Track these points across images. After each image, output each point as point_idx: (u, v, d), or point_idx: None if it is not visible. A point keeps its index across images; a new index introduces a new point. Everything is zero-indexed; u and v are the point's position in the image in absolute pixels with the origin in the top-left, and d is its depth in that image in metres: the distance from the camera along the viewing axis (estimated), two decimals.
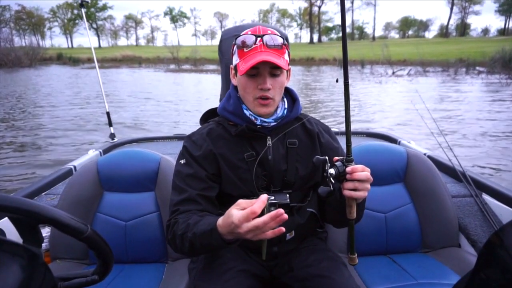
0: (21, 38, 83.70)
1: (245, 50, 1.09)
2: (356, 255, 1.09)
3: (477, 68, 20.03)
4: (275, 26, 1.33)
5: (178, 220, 1.06)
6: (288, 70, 1.18)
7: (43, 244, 1.53)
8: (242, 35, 1.11)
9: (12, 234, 0.75)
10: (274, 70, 1.09)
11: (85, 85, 17.94)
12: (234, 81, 1.20)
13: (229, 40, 1.21)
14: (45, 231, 1.65)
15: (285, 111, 1.19)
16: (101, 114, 9.14)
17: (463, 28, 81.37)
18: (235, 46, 1.13)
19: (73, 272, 0.83)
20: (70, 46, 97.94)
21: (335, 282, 1.07)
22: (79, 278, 0.81)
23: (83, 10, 3.04)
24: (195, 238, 0.98)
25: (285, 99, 1.22)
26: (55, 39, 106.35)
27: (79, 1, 2.94)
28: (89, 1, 2.98)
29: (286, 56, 1.12)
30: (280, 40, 1.10)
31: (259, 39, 1.08)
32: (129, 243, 1.57)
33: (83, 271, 0.84)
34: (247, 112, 1.15)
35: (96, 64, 3.23)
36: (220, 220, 0.92)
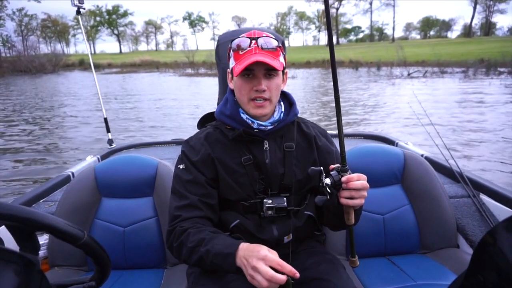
0: (47, 45, 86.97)
1: (240, 52, 1.11)
2: (357, 257, 1.10)
3: (499, 69, 19.30)
4: (272, 30, 1.35)
5: (188, 231, 1.07)
6: (285, 74, 1.20)
7: (42, 252, 1.58)
8: (237, 38, 1.13)
9: (10, 241, 0.75)
10: (269, 71, 1.11)
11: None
12: (231, 85, 1.22)
13: (226, 44, 1.23)
14: (44, 238, 1.66)
15: (282, 115, 1.20)
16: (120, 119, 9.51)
17: (487, 28, 78.67)
18: (231, 50, 1.15)
19: (70, 279, 0.83)
20: (93, 52, 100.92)
21: (333, 284, 1.08)
22: (76, 285, 0.81)
23: (80, 17, 3.06)
24: (208, 255, 1.00)
25: (281, 103, 1.23)
26: (78, 46, 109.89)
27: (76, 9, 2.98)
28: (85, 9, 3.03)
29: (281, 59, 1.13)
30: (274, 43, 1.11)
31: (253, 41, 1.10)
32: (127, 248, 1.57)
33: (80, 277, 0.84)
34: (244, 116, 1.16)
35: (93, 70, 3.29)
36: (245, 245, 0.97)
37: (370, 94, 13.87)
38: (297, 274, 0.88)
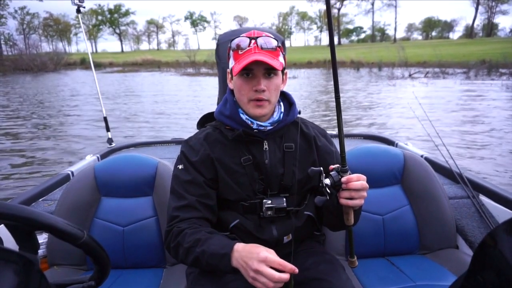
0: (49, 43, 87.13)
1: (239, 52, 1.11)
2: (355, 258, 1.10)
3: (500, 70, 19.25)
4: (272, 30, 1.35)
5: (184, 231, 1.08)
6: (285, 74, 1.20)
7: (41, 251, 1.57)
8: (236, 38, 1.13)
9: (10, 241, 0.75)
10: (268, 71, 1.10)
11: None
12: (230, 85, 1.21)
13: (226, 44, 1.23)
14: (43, 237, 1.65)
15: (282, 115, 1.20)
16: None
17: (489, 28, 78.54)
18: (230, 50, 1.15)
19: (69, 279, 0.83)
20: (94, 51, 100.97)
21: (333, 285, 1.08)
22: (75, 284, 0.81)
23: (80, 16, 3.06)
24: (203, 256, 1.01)
25: (281, 103, 1.23)
26: (80, 44, 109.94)
27: (76, 8, 2.98)
28: (85, 7, 3.02)
29: (281, 59, 1.13)
30: (274, 43, 1.11)
31: (253, 41, 1.10)
32: (127, 248, 1.57)
33: (79, 277, 0.85)
34: (243, 116, 1.16)
35: (93, 69, 3.29)
36: (241, 245, 0.97)
37: (369, 93, 13.90)
38: (296, 270, 0.89)
